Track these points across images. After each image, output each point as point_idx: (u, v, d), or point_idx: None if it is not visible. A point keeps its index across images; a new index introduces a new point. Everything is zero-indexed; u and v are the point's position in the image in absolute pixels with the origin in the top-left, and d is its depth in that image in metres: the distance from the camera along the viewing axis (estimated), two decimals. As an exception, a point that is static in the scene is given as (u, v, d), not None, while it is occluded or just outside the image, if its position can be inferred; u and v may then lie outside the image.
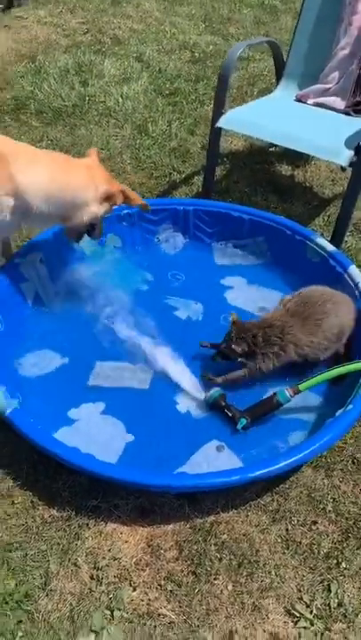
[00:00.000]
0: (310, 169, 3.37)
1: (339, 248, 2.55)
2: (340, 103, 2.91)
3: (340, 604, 1.58)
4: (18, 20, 5.09)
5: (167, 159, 3.40)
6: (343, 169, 3.19)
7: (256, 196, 3.12)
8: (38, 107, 3.82)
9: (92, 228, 2.27)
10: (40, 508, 1.75)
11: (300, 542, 1.70)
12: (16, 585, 1.58)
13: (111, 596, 1.57)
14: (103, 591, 1.58)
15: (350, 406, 1.83)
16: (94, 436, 1.93)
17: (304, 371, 2.08)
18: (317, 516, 1.76)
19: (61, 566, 1.62)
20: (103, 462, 1.72)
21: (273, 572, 1.64)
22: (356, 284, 2.27)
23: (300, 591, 1.60)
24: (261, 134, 2.78)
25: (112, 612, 1.54)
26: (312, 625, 1.53)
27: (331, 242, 2.55)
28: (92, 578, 1.61)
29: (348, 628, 1.54)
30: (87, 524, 1.71)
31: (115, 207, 2.26)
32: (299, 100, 3.01)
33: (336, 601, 1.58)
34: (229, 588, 1.60)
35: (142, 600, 1.57)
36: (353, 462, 1.90)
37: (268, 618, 1.55)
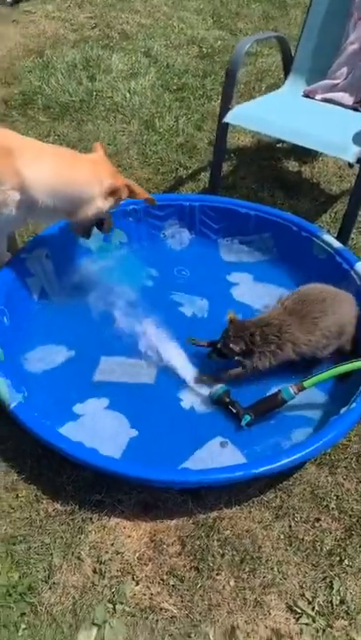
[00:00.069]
0: (318, 165, 3.36)
1: (345, 245, 2.54)
2: (348, 99, 2.89)
3: (343, 602, 1.58)
4: (26, 15, 5.09)
5: (174, 155, 3.39)
6: (351, 165, 3.17)
7: (263, 192, 3.11)
8: (46, 102, 3.83)
9: (100, 223, 2.28)
10: (44, 501, 1.76)
11: (303, 539, 1.71)
12: (20, 577, 1.60)
13: (114, 589, 1.58)
14: (106, 585, 1.59)
15: (355, 404, 1.83)
16: (99, 431, 1.93)
17: (309, 368, 2.08)
18: (321, 514, 1.76)
19: (65, 560, 1.63)
20: (107, 457, 1.73)
21: (275, 569, 1.64)
22: (363, 281, 2.27)
23: (302, 588, 1.60)
24: (268, 130, 2.77)
25: (114, 605, 1.55)
26: (314, 621, 1.54)
27: (337, 238, 2.53)
28: (94, 571, 1.62)
29: (350, 625, 1.54)
30: (91, 519, 1.72)
31: (121, 201, 2.26)
32: (307, 95, 2.99)
33: (338, 598, 1.58)
34: (231, 583, 1.61)
35: (145, 594, 1.58)
36: (357, 460, 1.90)
37: (269, 614, 1.55)
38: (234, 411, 1.96)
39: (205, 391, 2.04)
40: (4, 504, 1.75)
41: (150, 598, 1.57)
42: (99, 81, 4.07)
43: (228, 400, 1.99)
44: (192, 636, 1.50)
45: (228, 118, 2.69)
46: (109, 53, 4.45)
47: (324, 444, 1.74)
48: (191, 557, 1.65)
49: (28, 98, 3.87)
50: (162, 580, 1.61)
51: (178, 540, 1.69)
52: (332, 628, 1.53)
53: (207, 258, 2.70)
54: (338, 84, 2.93)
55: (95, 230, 2.34)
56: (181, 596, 1.57)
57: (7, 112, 3.75)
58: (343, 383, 2.04)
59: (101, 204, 2.16)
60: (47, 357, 2.20)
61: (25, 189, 1.97)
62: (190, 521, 1.73)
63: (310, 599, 1.58)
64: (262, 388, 2.06)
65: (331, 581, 1.62)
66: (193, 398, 2.06)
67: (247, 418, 1.92)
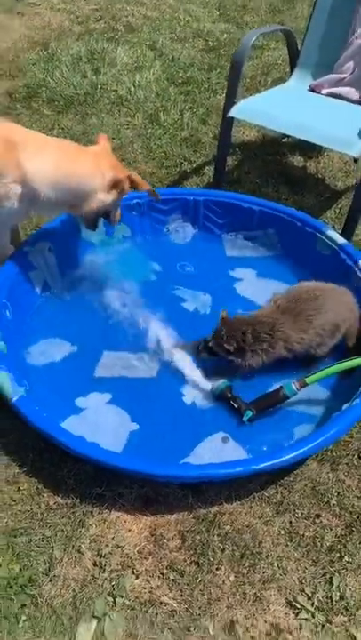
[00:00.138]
0: (323, 160, 3.34)
1: (350, 241, 2.53)
2: (354, 94, 2.87)
3: (342, 597, 1.58)
4: (31, 7, 5.06)
5: (178, 149, 3.37)
6: (356, 160, 3.16)
7: (267, 188, 3.09)
8: (50, 95, 3.81)
9: (107, 215, 2.27)
10: (45, 494, 1.76)
11: (304, 535, 1.71)
12: (20, 570, 1.60)
13: (114, 583, 1.59)
14: (106, 578, 1.59)
15: (357, 401, 1.82)
16: (101, 425, 1.94)
17: (311, 365, 2.07)
18: (321, 510, 1.76)
19: (65, 553, 1.64)
20: (108, 451, 1.73)
21: (275, 564, 1.64)
22: (367, 277, 2.26)
23: (301, 583, 1.61)
24: (273, 124, 2.75)
25: (114, 598, 1.55)
26: (313, 617, 1.54)
27: (342, 234, 2.52)
28: (95, 565, 1.62)
29: (350, 621, 1.54)
30: (91, 512, 1.73)
31: (126, 193, 2.24)
32: (313, 90, 2.97)
33: (338, 594, 1.58)
34: (231, 578, 1.61)
35: (144, 588, 1.58)
36: (359, 457, 1.89)
37: (269, 609, 1.56)
38: (236, 406, 1.96)
39: (207, 386, 2.04)
40: (5, 497, 1.76)
41: (150, 592, 1.57)
42: (103, 74, 4.06)
43: (230, 395, 1.99)
44: (191, 629, 1.51)
45: (233, 112, 2.67)
46: (114, 46, 4.42)
47: (325, 440, 1.73)
48: (191, 552, 1.65)
49: (33, 91, 3.85)
50: (162, 574, 1.61)
51: (178, 535, 1.69)
52: (331, 623, 1.53)
53: (211, 253, 2.69)
54: (344, 78, 2.91)
55: (101, 223, 2.33)
56: (181, 591, 1.58)
57: (11, 105, 3.74)
58: (346, 380, 2.03)
59: (104, 197, 2.15)
60: (49, 351, 2.20)
61: (27, 182, 1.97)
62: (191, 515, 1.73)
63: (310, 595, 1.58)
64: (264, 383, 2.06)
65: (330, 577, 1.62)
66: (195, 393, 2.06)
67: (249, 413, 1.92)
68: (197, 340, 2.10)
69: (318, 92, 2.94)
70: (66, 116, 3.64)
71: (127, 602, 1.55)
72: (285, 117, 2.67)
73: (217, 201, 2.72)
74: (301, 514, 1.75)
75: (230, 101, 2.70)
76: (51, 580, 1.59)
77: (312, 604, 1.56)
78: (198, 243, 2.74)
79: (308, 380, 1.93)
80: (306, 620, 1.54)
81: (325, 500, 1.78)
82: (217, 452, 1.86)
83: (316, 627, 1.53)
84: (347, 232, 2.62)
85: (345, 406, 1.83)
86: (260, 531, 1.71)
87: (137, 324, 2.26)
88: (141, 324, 2.25)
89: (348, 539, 1.70)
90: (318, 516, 1.75)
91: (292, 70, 3.12)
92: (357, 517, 1.75)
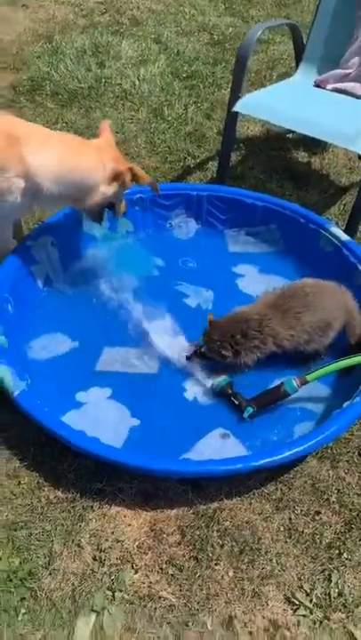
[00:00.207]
0: (328, 156, 3.32)
1: (353, 238, 2.52)
2: (359, 89, 2.85)
3: (341, 594, 1.58)
4: (35, 0, 5.04)
5: (182, 143, 3.36)
6: (360, 157, 3.14)
7: (271, 183, 3.08)
8: (54, 88, 3.80)
9: (111, 207, 2.27)
10: (45, 488, 1.77)
11: (303, 532, 1.71)
12: (20, 563, 1.61)
13: (113, 577, 1.59)
14: (105, 572, 1.60)
15: (358, 398, 1.82)
16: (101, 420, 1.94)
17: (311, 362, 2.07)
18: (321, 507, 1.76)
19: (65, 547, 1.65)
20: (108, 446, 1.73)
21: (274, 560, 1.64)
22: (370, 275, 2.25)
23: (300, 580, 1.61)
24: (278, 119, 2.73)
25: (113, 593, 1.56)
26: (311, 613, 1.54)
27: (345, 231, 2.51)
28: (94, 559, 1.63)
29: (348, 617, 1.54)
30: (91, 507, 1.73)
31: (128, 186, 2.23)
32: (318, 85, 2.95)
33: (336, 591, 1.59)
34: (230, 574, 1.62)
35: (143, 582, 1.59)
36: (359, 454, 1.89)
37: (267, 605, 1.56)
38: (236, 402, 1.95)
39: (208, 382, 2.04)
40: (5, 490, 1.77)
41: (149, 587, 1.58)
42: (108, 67, 4.04)
43: (230, 392, 1.99)
44: (190, 624, 1.51)
45: (238, 107, 2.66)
46: (119, 39, 4.40)
47: (325, 437, 1.73)
48: (191, 547, 1.66)
49: (37, 84, 3.84)
50: (161, 568, 1.62)
51: (178, 530, 1.69)
52: (329, 620, 1.54)
53: (213, 248, 2.68)
54: (350, 73, 2.89)
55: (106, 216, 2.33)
56: (180, 585, 1.58)
57: (15, 98, 3.73)
58: (347, 377, 2.03)
59: (105, 190, 2.14)
60: (51, 346, 2.20)
61: (30, 177, 1.96)
62: (190, 511, 1.74)
63: (308, 591, 1.59)
64: (265, 380, 2.06)
65: (329, 574, 1.62)
66: (195, 389, 2.06)
67: (249, 410, 1.92)
68: (197, 340, 2.09)
69: (323, 88, 2.92)
70: (70, 110, 3.63)
71: (126, 596, 1.56)
72: (290, 112, 2.66)
73: (220, 196, 2.71)
74: (301, 511, 1.75)
75: (235, 96, 2.69)
76: (50, 574, 1.59)
77: (310, 601, 1.57)
78: (201, 238, 2.74)
79: (308, 377, 1.93)
80: (304, 616, 1.54)
81: (325, 497, 1.78)
82: (217, 448, 1.86)
83: (315, 623, 1.53)
84: (350, 229, 2.60)
85: (346, 404, 1.83)
86: (259, 527, 1.71)
87: (138, 319, 2.25)
88: (143, 320, 2.24)
89: (347, 536, 1.70)
90: (318, 512, 1.75)
91: (297, 65, 3.10)
92: (357, 515, 1.75)
